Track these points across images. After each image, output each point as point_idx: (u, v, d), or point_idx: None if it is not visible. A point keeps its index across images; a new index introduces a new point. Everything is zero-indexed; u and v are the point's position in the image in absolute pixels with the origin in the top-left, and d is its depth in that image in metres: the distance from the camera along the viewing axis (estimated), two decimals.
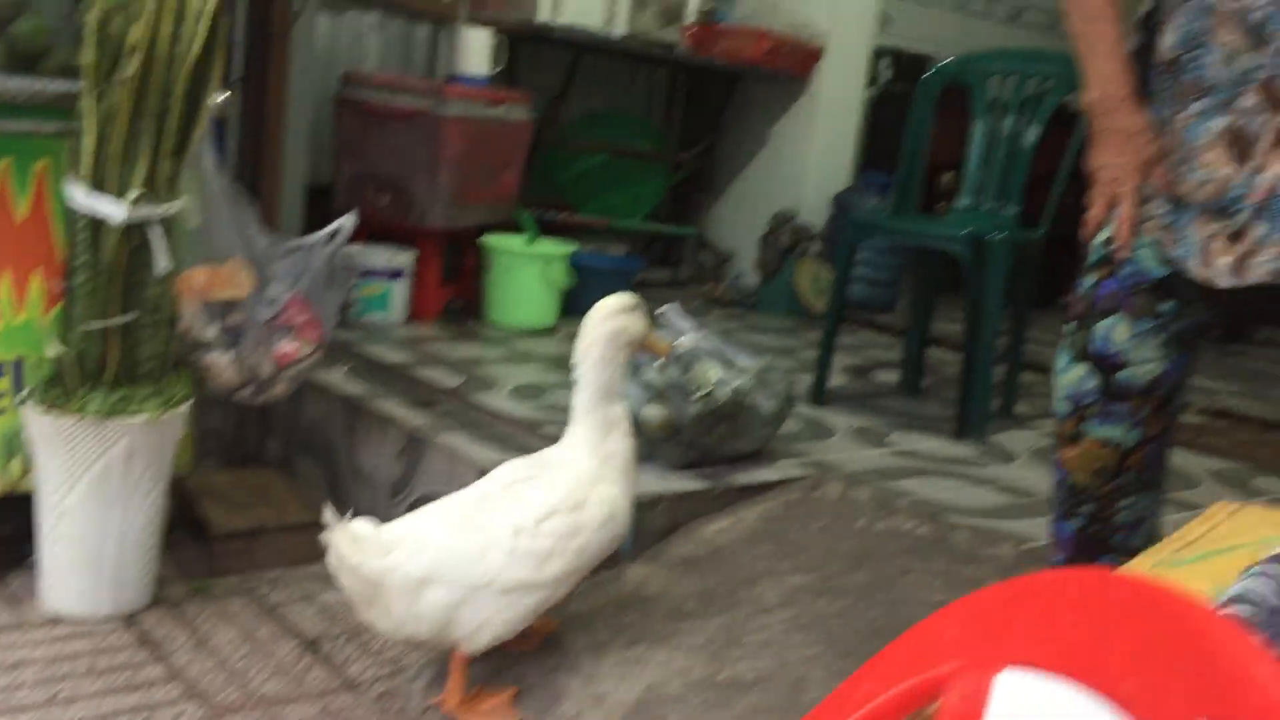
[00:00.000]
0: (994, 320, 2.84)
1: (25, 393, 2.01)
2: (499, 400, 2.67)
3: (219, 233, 2.08)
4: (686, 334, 2.41)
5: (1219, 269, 1.40)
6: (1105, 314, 1.52)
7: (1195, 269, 1.43)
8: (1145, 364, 1.51)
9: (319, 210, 3.33)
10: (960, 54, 3.30)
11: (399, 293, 3.34)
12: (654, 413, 2.30)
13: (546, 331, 3.49)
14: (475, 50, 3.48)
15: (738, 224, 4.65)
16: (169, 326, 2.02)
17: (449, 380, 2.79)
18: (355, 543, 1.64)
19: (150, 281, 1.95)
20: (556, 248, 3.57)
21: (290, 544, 2.31)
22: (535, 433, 2.44)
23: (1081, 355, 1.55)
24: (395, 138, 3.33)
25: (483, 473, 2.25)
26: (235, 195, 2.15)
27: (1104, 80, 1.48)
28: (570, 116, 4.33)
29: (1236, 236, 1.38)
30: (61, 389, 1.96)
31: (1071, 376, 1.56)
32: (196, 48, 1.84)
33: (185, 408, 2.06)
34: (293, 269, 2.18)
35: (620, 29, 3.91)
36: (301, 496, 2.48)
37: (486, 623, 1.71)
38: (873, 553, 2.17)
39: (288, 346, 2.18)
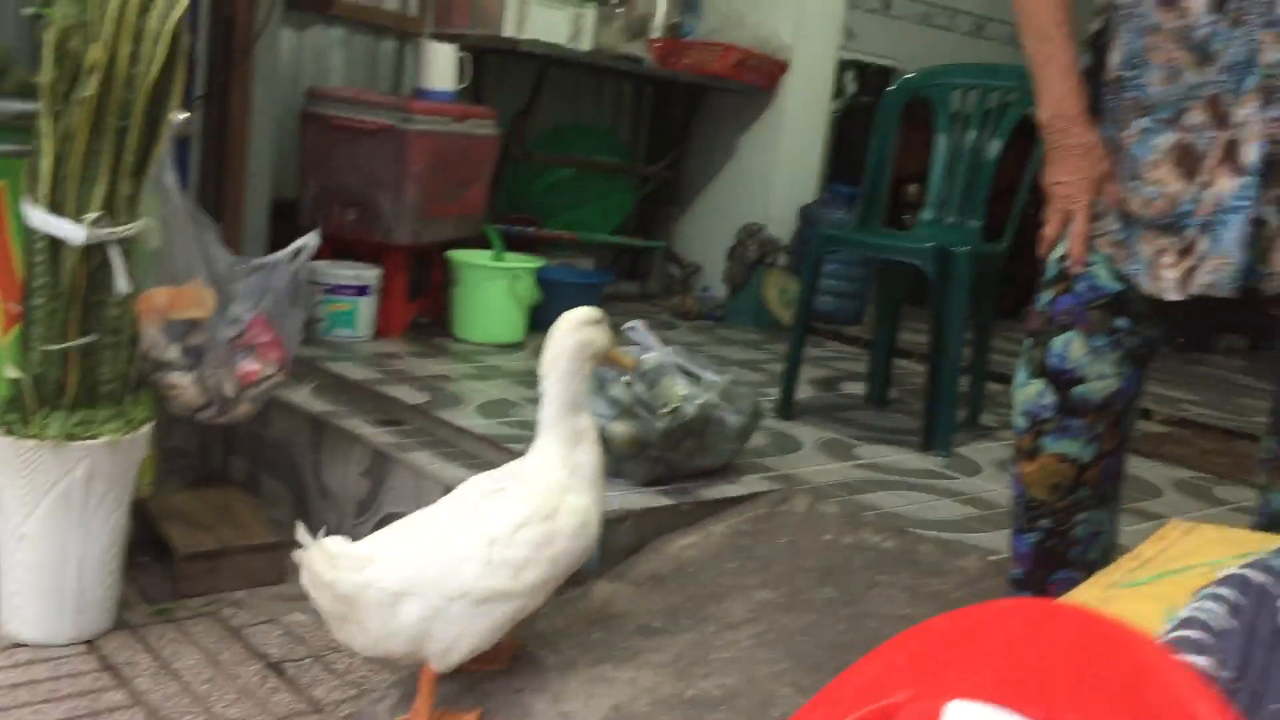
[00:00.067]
0: (958, 332, 2.86)
1: None
2: (466, 417, 2.67)
3: (180, 252, 2.07)
4: (652, 350, 2.42)
5: (1166, 283, 1.42)
6: (1062, 329, 1.54)
7: (1145, 284, 1.45)
8: (1101, 380, 1.53)
9: (285, 226, 3.32)
10: (923, 68, 3.32)
11: (365, 309, 3.33)
12: (621, 429, 2.30)
13: (514, 346, 3.49)
14: (441, 65, 3.48)
15: (705, 237, 4.67)
16: (130, 348, 2.01)
17: (416, 397, 2.78)
18: (330, 560, 1.64)
19: (110, 302, 1.94)
20: (524, 262, 3.57)
21: (254, 565, 2.29)
22: (502, 449, 2.43)
23: (1038, 371, 1.56)
24: (361, 153, 3.32)
25: (449, 490, 2.24)
26: (196, 214, 2.14)
27: (1056, 99, 1.50)
28: (537, 131, 4.33)
29: (1186, 252, 1.39)
30: (20, 412, 1.94)
31: (1029, 392, 1.58)
32: (156, 67, 1.83)
33: (147, 429, 2.04)
34: (255, 288, 2.17)
35: (586, 43, 3.91)
36: (266, 516, 2.47)
37: (462, 635, 1.70)
38: (839, 567, 2.18)
39: (250, 366, 2.17)
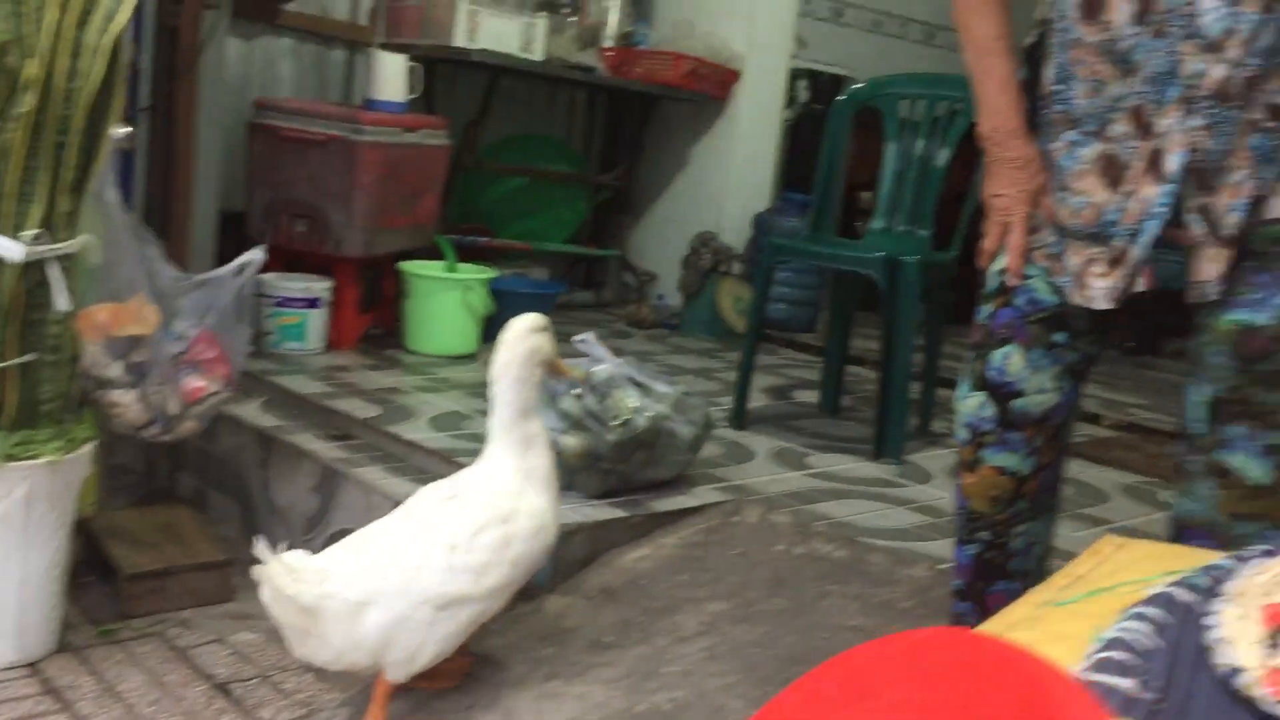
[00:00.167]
0: (908, 340, 2.88)
1: None
2: (417, 431, 2.65)
3: (122, 268, 2.04)
4: (603, 362, 2.41)
5: (1095, 292, 1.43)
6: (1001, 343, 1.55)
7: (1073, 295, 1.47)
8: (1040, 394, 1.54)
9: (233, 238, 3.29)
10: (873, 77, 3.35)
11: (316, 322, 3.30)
12: (571, 442, 2.30)
13: (467, 358, 3.47)
14: (391, 75, 3.46)
15: (660, 245, 4.67)
16: (70, 366, 1.98)
17: (366, 411, 2.76)
18: (291, 573, 1.63)
19: (50, 320, 1.91)
20: (476, 273, 3.55)
21: (201, 584, 2.26)
22: (453, 463, 2.41)
23: (979, 383, 1.57)
24: (310, 164, 3.30)
25: (399, 506, 2.23)
26: (139, 229, 2.11)
27: (994, 112, 1.52)
28: (489, 140, 4.32)
29: (1116, 261, 1.41)
30: None
31: (970, 404, 1.59)
32: (95, 82, 1.81)
33: (89, 448, 2.01)
34: (200, 304, 2.15)
35: (538, 53, 3.91)
36: (212, 534, 2.44)
37: (425, 642, 1.71)
38: (790, 577, 2.18)
39: (195, 383, 2.14)
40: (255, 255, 2.18)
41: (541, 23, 3.92)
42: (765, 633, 1.99)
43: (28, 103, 1.77)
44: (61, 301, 1.88)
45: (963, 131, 3.06)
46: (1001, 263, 1.56)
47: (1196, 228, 1.35)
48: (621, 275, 4.83)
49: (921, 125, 3.14)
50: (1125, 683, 0.67)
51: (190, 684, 2.00)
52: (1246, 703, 0.69)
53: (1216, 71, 1.31)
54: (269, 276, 3.25)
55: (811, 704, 0.58)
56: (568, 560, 2.22)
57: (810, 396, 3.49)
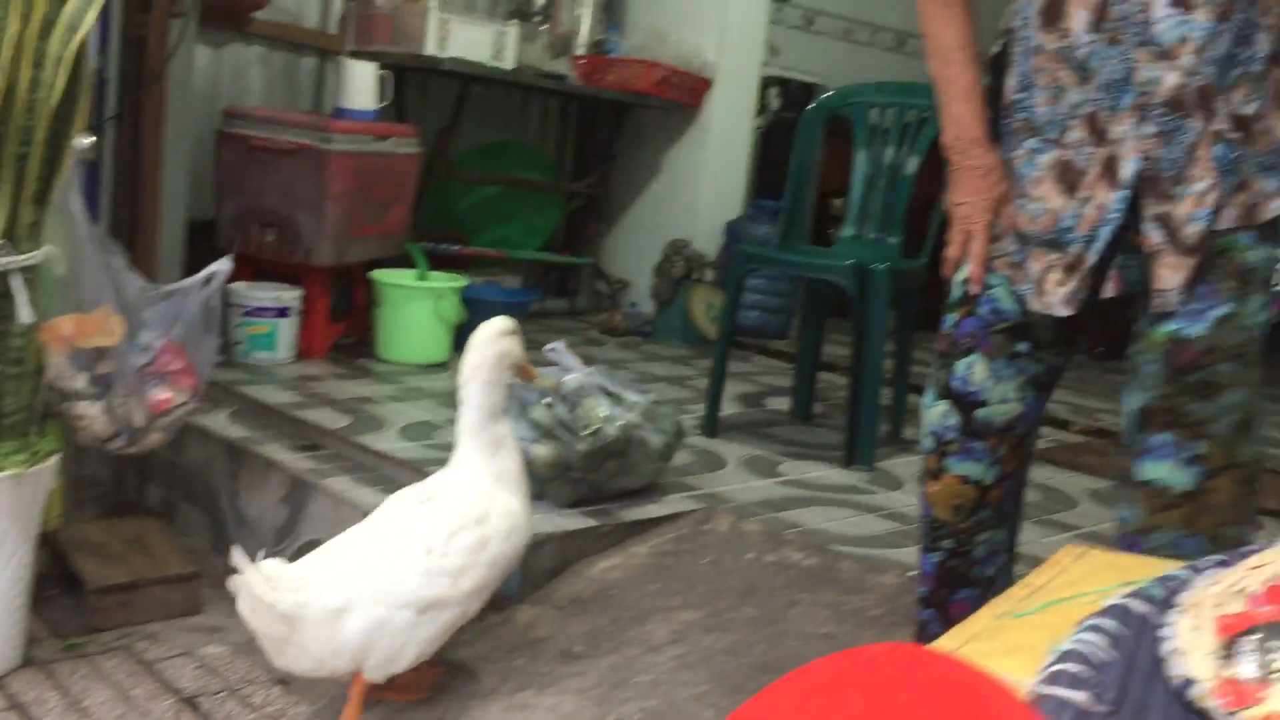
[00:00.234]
0: (879, 347, 2.89)
1: None
2: (387, 441, 2.64)
3: (86, 279, 2.02)
4: (573, 371, 2.41)
5: (1053, 298, 1.44)
6: (965, 352, 1.56)
7: (1032, 301, 1.47)
8: (1004, 403, 1.55)
9: (202, 247, 3.27)
10: (842, 86, 3.36)
11: (286, 331, 3.29)
12: (542, 451, 2.29)
13: (439, 366, 3.46)
14: (361, 84, 3.45)
15: (632, 253, 4.67)
16: (34, 378, 1.96)
17: (336, 421, 2.75)
18: (269, 581, 1.63)
19: (13, 332, 1.89)
20: (448, 281, 3.54)
21: (169, 596, 2.25)
22: (423, 474, 2.39)
23: (943, 392, 1.58)
24: (280, 173, 3.28)
25: (371, 514, 2.23)
26: (104, 240, 2.10)
27: (957, 121, 1.52)
28: (462, 148, 4.31)
29: (1073, 267, 1.42)
30: None
31: (935, 413, 1.60)
32: (58, 93, 1.79)
33: (53, 461, 1.99)
34: (166, 315, 2.13)
35: (509, 61, 3.91)
36: (180, 546, 2.42)
37: (406, 645, 1.72)
38: (761, 586, 2.19)
39: (162, 394, 2.12)
40: (222, 265, 2.16)
41: (513, 31, 3.92)
42: (736, 641, 2.00)
43: None
44: (25, 313, 1.87)
45: (931, 139, 3.07)
46: (965, 271, 1.57)
47: (1155, 236, 1.36)
48: (594, 283, 4.83)
49: (891, 133, 3.16)
50: (1079, 695, 0.67)
51: (157, 698, 1.98)
52: (1200, 714, 0.70)
53: (1170, 79, 1.32)
54: (238, 286, 3.23)
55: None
56: (538, 570, 2.21)
57: (782, 403, 3.50)
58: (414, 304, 3.45)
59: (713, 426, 3.07)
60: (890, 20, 5.80)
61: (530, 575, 2.19)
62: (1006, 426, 1.55)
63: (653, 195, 4.66)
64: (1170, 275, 1.36)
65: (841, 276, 2.88)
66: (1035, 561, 1.38)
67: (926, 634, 1.66)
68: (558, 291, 4.85)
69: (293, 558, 1.77)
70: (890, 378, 3.16)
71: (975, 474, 1.57)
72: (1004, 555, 1.64)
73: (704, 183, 4.52)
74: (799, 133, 3.23)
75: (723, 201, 4.57)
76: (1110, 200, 1.37)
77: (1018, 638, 0.80)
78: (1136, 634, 0.76)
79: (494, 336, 1.84)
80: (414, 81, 4.11)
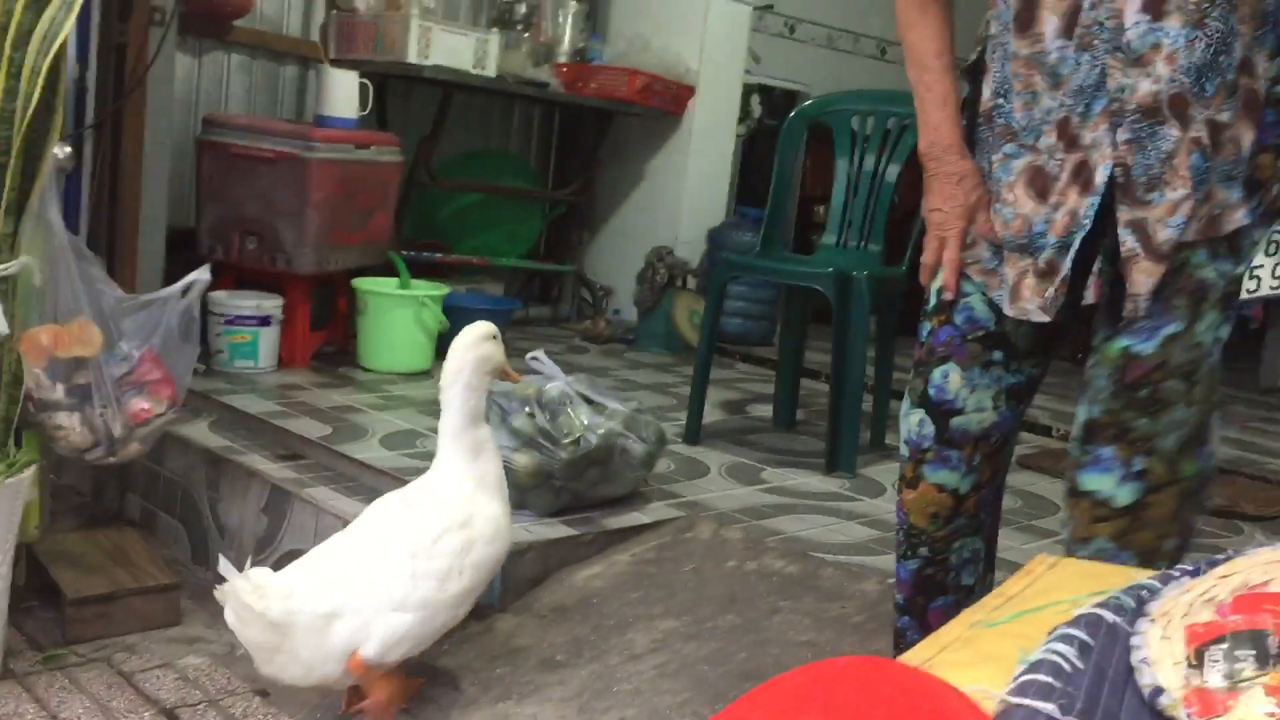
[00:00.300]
0: (860, 354, 2.90)
1: None
2: (368, 450, 2.63)
3: (64, 290, 2.01)
4: (554, 380, 2.41)
5: (1029, 304, 1.44)
6: (941, 361, 1.56)
7: (1006, 307, 1.48)
8: (979, 412, 1.55)
9: (183, 256, 3.25)
10: (823, 94, 3.37)
11: (267, 340, 3.28)
12: (523, 460, 2.29)
13: (422, 375, 3.46)
14: (342, 92, 3.44)
15: (615, 260, 4.68)
16: (11, 389, 1.95)
17: (318, 430, 2.74)
18: (257, 590, 1.63)
19: None
20: (430, 289, 3.54)
21: (148, 607, 2.24)
22: (404, 483, 2.40)
23: (920, 401, 1.58)
24: (261, 181, 3.28)
25: (352, 521, 2.22)
26: (82, 250, 2.09)
27: (933, 128, 1.53)
28: (444, 156, 4.31)
29: (1046, 273, 1.42)
30: None
31: (911, 421, 1.60)
32: (34, 103, 1.79)
33: (31, 472, 1.98)
34: (145, 324, 2.12)
35: (491, 69, 3.91)
36: (160, 557, 2.41)
37: (396, 645, 1.73)
38: (742, 594, 2.19)
39: (141, 404, 2.12)
40: (201, 275, 2.16)
41: (494, 39, 3.92)
42: (717, 649, 2.00)
43: None
44: (1, 324, 1.86)
45: (912, 147, 3.06)
46: (941, 279, 1.57)
47: (1129, 242, 1.36)
48: (577, 290, 4.83)
49: (872, 141, 3.17)
50: (1048, 705, 0.67)
51: (137, 710, 1.97)
52: None
53: (1143, 86, 1.32)
54: (219, 294, 3.22)
55: None
56: (519, 579, 2.21)
57: (765, 411, 3.51)
58: (396, 312, 3.44)
59: (695, 434, 3.07)
60: (872, 28, 5.82)
61: (512, 584, 2.19)
62: (982, 435, 1.55)
63: (635, 203, 4.67)
64: (1143, 280, 1.37)
65: (822, 284, 2.89)
66: (1015, 568, 1.39)
67: (905, 641, 1.66)
68: (540, 299, 4.85)
69: (275, 568, 1.77)
70: (872, 385, 3.17)
71: (951, 482, 1.57)
72: (982, 563, 1.64)
73: (686, 190, 4.53)
74: (781, 140, 3.24)
75: (705, 209, 4.58)
76: (1082, 207, 1.38)
77: (990, 647, 0.81)
78: (1107, 643, 0.77)
79: (474, 341, 1.86)
80: (396, 90, 4.11)
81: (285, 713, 1.97)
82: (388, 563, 1.74)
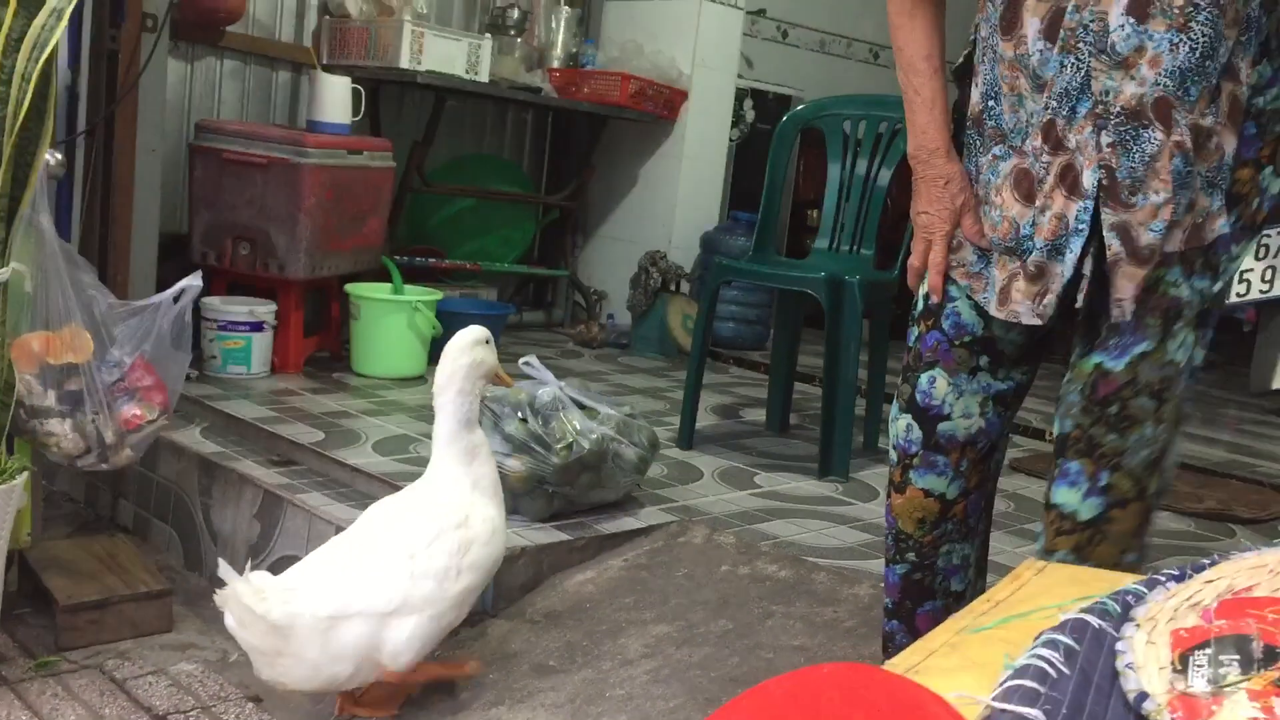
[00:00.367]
0: (853, 359, 2.90)
1: None
2: (361, 455, 2.63)
3: (55, 296, 2.01)
4: (547, 384, 2.41)
5: (1021, 308, 1.44)
6: (928, 366, 1.56)
7: (993, 309, 1.48)
8: (966, 418, 1.55)
9: (175, 261, 3.26)
10: (815, 98, 3.38)
11: (260, 345, 3.27)
12: (515, 466, 2.29)
13: (415, 380, 3.46)
14: (334, 97, 3.45)
15: (609, 265, 4.68)
16: (3, 396, 1.95)
17: (310, 435, 2.74)
18: (259, 593, 1.63)
19: None
20: (424, 295, 3.54)
21: (140, 614, 2.23)
22: (397, 488, 2.39)
23: (907, 406, 1.59)
24: (253, 187, 3.28)
25: (342, 531, 2.22)
26: (73, 256, 2.09)
27: (920, 130, 1.53)
28: (437, 161, 4.31)
29: (1036, 275, 1.43)
30: None
31: (898, 426, 1.60)
32: (24, 110, 1.79)
33: (22, 479, 1.98)
34: (137, 331, 2.12)
35: (483, 74, 3.91)
36: (152, 563, 2.41)
37: (405, 645, 1.74)
38: (735, 598, 2.19)
39: (132, 411, 2.11)
40: (193, 281, 2.16)
41: (487, 44, 3.92)
42: (709, 654, 2.00)
43: None
44: None
45: (904, 151, 3.08)
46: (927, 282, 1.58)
47: (1115, 245, 1.37)
48: (571, 295, 4.84)
49: (864, 145, 3.18)
50: (1033, 711, 0.68)
51: (129, 717, 1.97)
52: None
53: (1128, 89, 1.32)
54: (212, 300, 3.22)
55: None
56: (511, 584, 2.21)
57: (759, 415, 3.51)
58: (389, 317, 3.44)
59: (688, 438, 3.07)
60: (865, 32, 5.84)
61: (504, 589, 2.19)
62: (969, 441, 1.56)
63: (628, 207, 4.67)
64: (1126, 285, 1.37)
65: (815, 288, 2.89)
66: (1006, 572, 1.39)
67: (893, 645, 1.66)
68: (534, 304, 4.85)
69: (270, 573, 1.77)
70: (865, 389, 3.17)
71: (938, 488, 1.58)
72: (972, 569, 1.65)
73: (680, 194, 4.54)
74: (773, 145, 3.24)
75: (698, 213, 4.59)
76: (1072, 211, 1.38)
77: (976, 653, 0.81)
78: (1092, 648, 0.77)
79: (467, 346, 1.87)
80: (389, 95, 4.11)
81: (277, 719, 1.97)
82: (385, 563, 1.76)
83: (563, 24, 4.47)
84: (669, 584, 2.25)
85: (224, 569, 1.62)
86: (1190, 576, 0.85)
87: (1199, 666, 0.72)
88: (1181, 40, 1.30)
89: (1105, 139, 1.34)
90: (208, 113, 3.76)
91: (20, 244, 1.93)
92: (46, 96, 1.84)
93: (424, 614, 1.75)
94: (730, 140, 4.80)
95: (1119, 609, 0.81)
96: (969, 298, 1.52)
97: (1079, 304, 1.44)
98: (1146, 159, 1.33)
